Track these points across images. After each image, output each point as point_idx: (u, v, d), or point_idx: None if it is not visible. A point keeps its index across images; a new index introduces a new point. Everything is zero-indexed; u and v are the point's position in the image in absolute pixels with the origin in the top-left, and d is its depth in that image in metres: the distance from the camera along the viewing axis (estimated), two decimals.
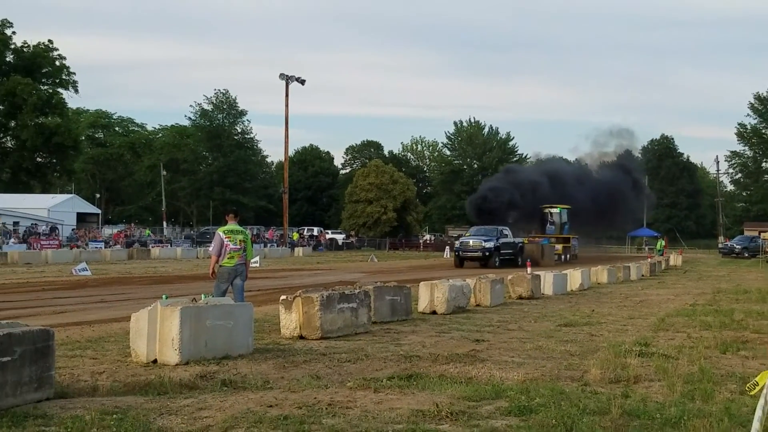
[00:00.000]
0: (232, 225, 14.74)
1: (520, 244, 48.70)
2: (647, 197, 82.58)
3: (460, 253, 46.56)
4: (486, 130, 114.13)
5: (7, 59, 79.68)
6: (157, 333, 10.29)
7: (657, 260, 43.87)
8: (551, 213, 58.53)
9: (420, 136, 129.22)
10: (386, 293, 15.92)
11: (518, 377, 9.74)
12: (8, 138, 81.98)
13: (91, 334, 13.46)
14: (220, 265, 14.35)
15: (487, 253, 44.70)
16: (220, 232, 14.59)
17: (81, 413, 7.30)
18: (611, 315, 18.20)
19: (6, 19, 78.86)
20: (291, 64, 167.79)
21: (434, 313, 17.24)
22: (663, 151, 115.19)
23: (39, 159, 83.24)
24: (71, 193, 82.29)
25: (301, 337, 12.95)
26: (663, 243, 60.44)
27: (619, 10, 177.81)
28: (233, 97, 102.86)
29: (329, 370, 10.32)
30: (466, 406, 7.84)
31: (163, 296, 10.99)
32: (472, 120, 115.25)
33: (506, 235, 47.65)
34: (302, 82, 67.17)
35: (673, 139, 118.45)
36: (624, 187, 69.04)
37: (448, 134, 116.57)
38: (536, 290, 22.46)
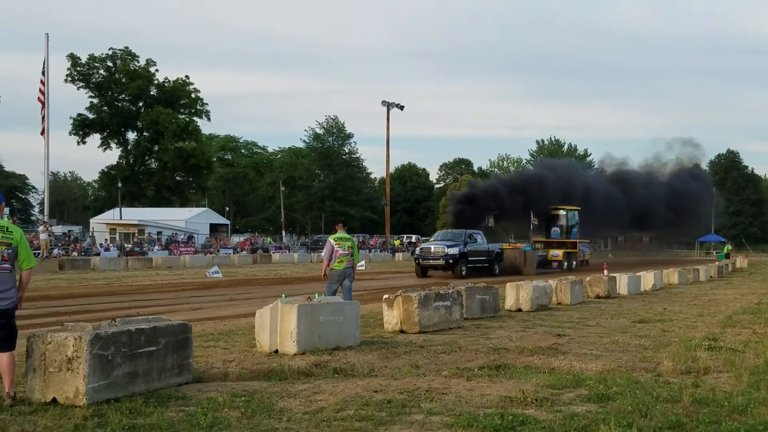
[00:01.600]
0: (341, 233, 14.89)
1: (497, 251, 37.99)
2: (715, 203, 76.72)
3: (420, 260, 36.08)
4: (565, 147, 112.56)
5: (152, 93, 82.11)
6: (277, 327, 10.43)
7: (723, 263, 42.20)
8: (558, 215, 46.43)
9: (506, 154, 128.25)
10: (477, 293, 15.83)
11: (596, 368, 9.54)
12: (152, 160, 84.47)
13: (222, 327, 13.72)
14: (331, 268, 14.55)
15: (451, 261, 34.52)
16: (331, 239, 14.77)
17: (214, 395, 7.45)
18: (682, 313, 17.69)
19: (150, 59, 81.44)
20: (392, 93, 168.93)
21: (519, 310, 17.05)
22: (729, 164, 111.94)
23: (178, 178, 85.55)
24: (205, 206, 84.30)
25: (402, 332, 12.96)
26: (729, 248, 57.93)
27: (684, 36, 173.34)
28: (342, 122, 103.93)
29: (427, 360, 10.30)
30: (549, 393, 7.72)
31: (283, 295, 11.13)
32: (553, 139, 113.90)
33: (477, 240, 36.88)
34: (401, 108, 67.46)
35: (738, 153, 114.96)
36: (694, 193, 61.63)
37: (531, 152, 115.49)
38: (612, 290, 21.99)
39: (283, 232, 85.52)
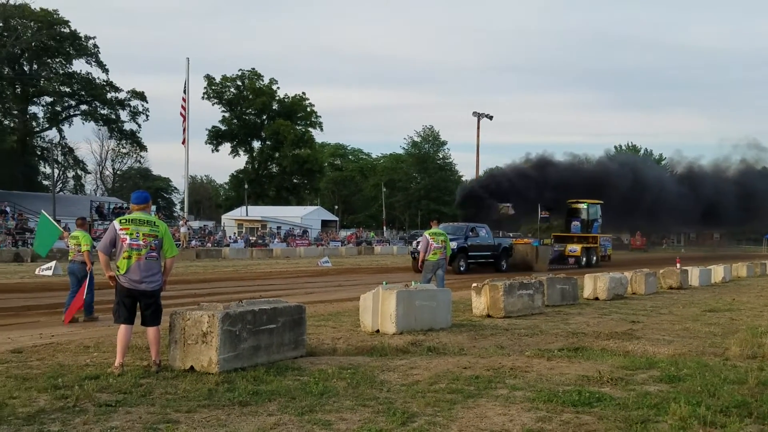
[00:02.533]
0: (435, 229, 14.97)
1: (505, 246, 32.11)
2: None
3: (416, 255, 27.31)
4: (642, 152, 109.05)
5: (274, 107, 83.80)
6: (379, 310, 10.50)
7: None
8: (578, 209, 39.10)
9: (585, 157, 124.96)
10: (557, 282, 15.56)
11: (668, 352, 9.24)
12: (274, 165, 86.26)
13: (331, 309, 13.91)
14: (426, 259, 14.60)
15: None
16: (426, 234, 14.89)
17: (325, 367, 7.56)
18: (749, 303, 16.92)
19: (273, 78, 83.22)
20: (482, 104, 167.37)
21: (597, 299, 16.66)
22: None
23: (295, 180, 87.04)
24: (317, 205, 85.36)
25: (488, 316, 12.87)
26: None
27: (752, 51, 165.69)
28: (437, 131, 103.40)
29: (511, 341, 10.19)
30: (623, 373, 7.52)
31: (384, 282, 11.20)
32: (630, 144, 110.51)
33: (480, 234, 31.14)
34: (490, 118, 66.60)
35: None
36: (762, 190, 54.52)
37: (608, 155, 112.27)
38: (684, 282, 21.22)
39: (384, 228, 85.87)
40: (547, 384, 6.99)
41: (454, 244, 26.69)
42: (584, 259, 36.44)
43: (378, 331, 10.43)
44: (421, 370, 7.62)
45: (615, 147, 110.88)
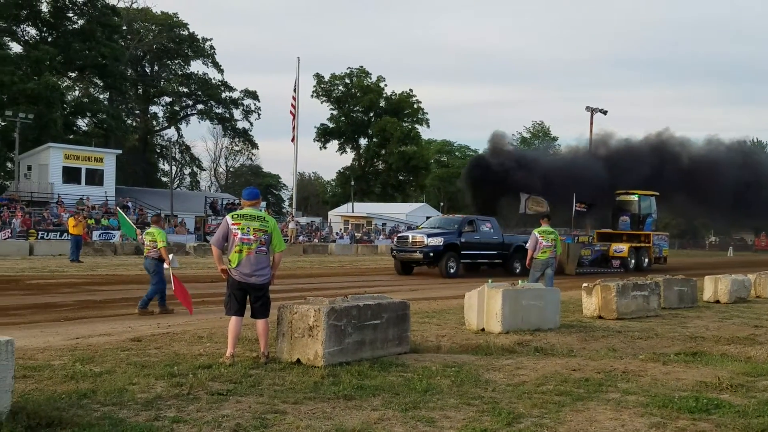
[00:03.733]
0: (545, 227, 14.63)
1: (518, 244, 25.34)
2: None
3: (396, 253, 25.10)
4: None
5: (381, 105, 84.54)
6: (484, 308, 10.36)
7: None
8: (627, 201, 32.55)
9: None
10: (674, 284, 14.89)
11: None
12: (380, 162, 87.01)
13: (435, 307, 13.83)
14: (535, 258, 14.30)
15: (432, 254, 23.48)
16: (536, 232, 14.56)
17: (429, 365, 7.51)
18: None
19: (381, 76, 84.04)
20: (596, 99, 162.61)
21: (717, 302, 15.86)
22: None
23: (401, 177, 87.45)
24: (423, 202, 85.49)
25: (600, 317, 12.46)
26: None
27: None
28: (547, 126, 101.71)
29: (623, 344, 9.83)
30: (744, 380, 7.10)
31: (489, 281, 11.04)
32: (756, 139, 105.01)
33: (481, 228, 25.18)
34: (605, 112, 64.82)
35: None
36: None
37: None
38: None
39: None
40: (662, 389, 6.68)
41: (440, 240, 23.72)
42: (632, 261, 30.51)
43: (483, 329, 10.28)
44: (528, 370, 7.45)
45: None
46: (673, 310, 14.15)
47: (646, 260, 31.41)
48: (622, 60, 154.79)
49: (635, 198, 32.32)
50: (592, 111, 64.35)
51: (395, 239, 27.53)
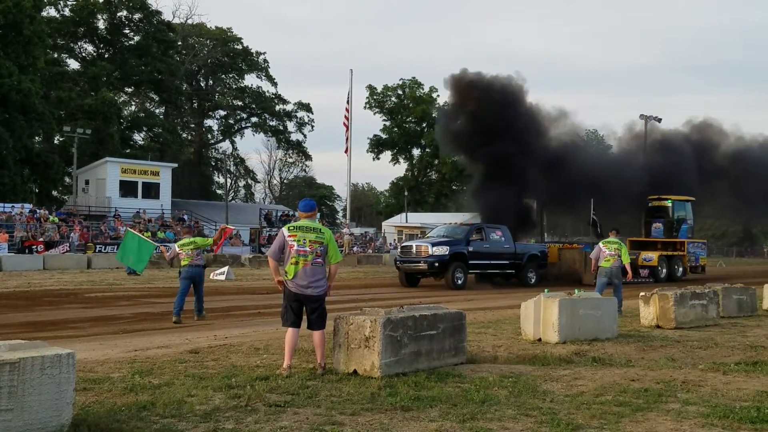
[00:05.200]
0: (611, 238, 15.07)
1: (532, 253, 25.06)
2: None
3: (400, 264, 23.88)
4: None
5: (433, 115, 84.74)
6: (540, 318, 10.31)
7: None
8: (661, 207, 30.44)
9: None
10: (733, 293, 14.60)
11: None
12: (433, 172, 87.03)
13: (491, 317, 13.80)
14: (599, 266, 14.75)
15: (437, 264, 22.32)
16: (600, 243, 15.03)
17: (485, 375, 7.52)
18: None
19: (433, 86, 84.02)
20: (650, 106, 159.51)
21: None
22: None
23: (454, 187, 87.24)
24: (474, 212, 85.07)
25: (658, 327, 12.28)
26: None
27: None
28: (601, 135, 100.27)
29: (682, 354, 9.67)
30: None
31: (545, 290, 10.98)
32: None
33: (491, 237, 23.99)
34: (659, 120, 63.77)
35: None
36: None
37: None
38: None
39: (545, 234, 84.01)
40: (723, 399, 6.59)
41: (446, 249, 22.56)
42: (664, 270, 28.35)
43: (540, 339, 10.24)
44: (586, 380, 7.41)
45: None
46: (732, 319, 13.86)
47: (681, 269, 29.43)
48: (678, 66, 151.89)
49: (669, 203, 30.44)
50: (646, 119, 63.29)
51: (399, 248, 26.20)
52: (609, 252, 14.69)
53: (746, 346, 10.37)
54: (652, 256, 28.22)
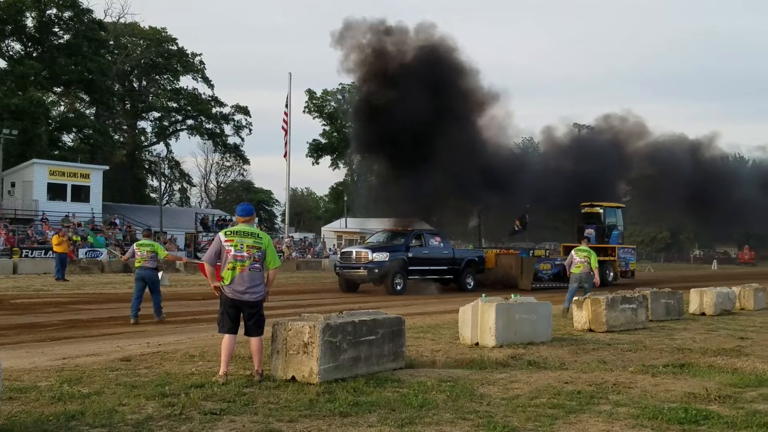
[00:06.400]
0: (582, 246, 16.23)
1: (470, 258, 25.58)
2: None
3: (340, 270, 23.93)
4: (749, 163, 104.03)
5: None
6: (478, 322, 10.48)
7: None
8: (593, 214, 31.45)
9: None
10: (661, 297, 15.11)
11: None
12: (372, 177, 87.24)
13: (429, 321, 13.94)
14: (571, 272, 15.97)
15: (377, 270, 22.42)
16: (573, 251, 16.22)
17: (424, 380, 7.61)
18: None
19: None
20: (580, 115, 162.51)
21: (703, 314, 16.07)
22: None
23: None
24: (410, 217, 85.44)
25: (590, 330, 12.61)
26: None
27: None
28: (537, 143, 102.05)
29: (613, 357, 9.97)
30: (732, 391, 7.26)
31: (483, 295, 11.17)
32: (737, 155, 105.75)
33: (429, 243, 24.38)
34: (592, 128, 65.23)
35: None
36: None
37: None
38: None
39: (482, 240, 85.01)
40: (652, 401, 6.83)
41: (385, 256, 22.74)
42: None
43: (477, 344, 10.40)
44: (522, 384, 7.58)
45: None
46: (660, 322, 14.34)
47: (612, 274, 30.26)
48: (612, 75, 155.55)
49: (600, 210, 31.52)
50: (579, 128, 64.45)
51: (339, 255, 25.67)
52: (579, 259, 15.79)
53: (674, 349, 10.74)
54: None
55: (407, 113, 24.43)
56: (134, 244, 14.13)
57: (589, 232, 30.31)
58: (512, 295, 11.46)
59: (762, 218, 41.10)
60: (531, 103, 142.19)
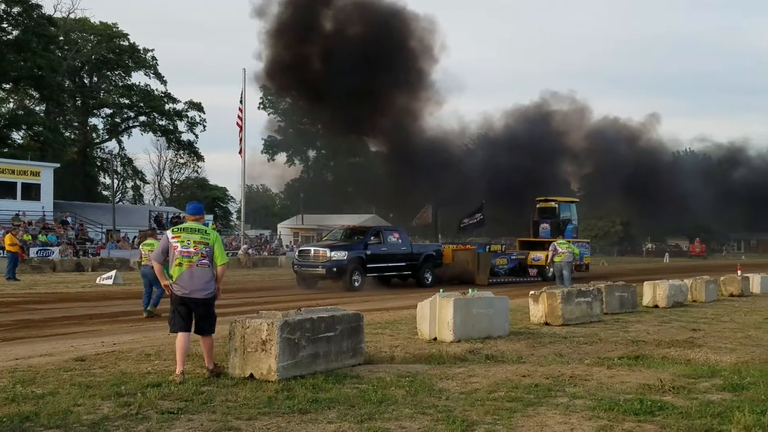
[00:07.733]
0: (562, 240, 18.95)
1: (428, 254, 25.67)
2: None
3: (298, 268, 23.64)
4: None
5: None
6: (436, 317, 10.50)
7: None
8: (547, 209, 31.70)
9: None
10: (616, 290, 15.34)
11: (731, 360, 9.05)
12: (329, 174, 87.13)
13: (388, 317, 13.92)
14: (553, 261, 19.84)
15: (335, 269, 22.42)
16: (555, 242, 18.71)
17: (383, 375, 7.59)
18: None
19: None
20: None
21: (656, 306, 16.36)
22: None
23: (350, 189, 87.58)
24: (372, 213, 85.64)
25: (546, 324, 12.75)
26: None
27: None
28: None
29: (570, 350, 10.09)
30: (685, 382, 7.39)
31: (440, 290, 11.20)
32: (688, 150, 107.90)
33: (388, 240, 24.36)
34: None
35: None
36: None
37: None
38: (746, 289, 20.70)
39: (439, 236, 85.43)
40: (608, 392, 6.91)
41: (344, 254, 22.68)
42: (551, 269, 25.22)
43: (435, 338, 10.42)
44: (480, 378, 7.61)
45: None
46: (615, 315, 14.56)
47: None
48: (572, 72, 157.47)
49: (555, 205, 31.74)
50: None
51: (297, 253, 25.80)
52: (561, 249, 19.51)
53: (628, 341, 10.91)
54: (540, 255, 28.43)
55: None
56: (140, 245, 14.99)
57: (544, 226, 31.13)
58: (470, 290, 11.51)
59: (705, 207, 41.94)
60: (489, 99, 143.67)
